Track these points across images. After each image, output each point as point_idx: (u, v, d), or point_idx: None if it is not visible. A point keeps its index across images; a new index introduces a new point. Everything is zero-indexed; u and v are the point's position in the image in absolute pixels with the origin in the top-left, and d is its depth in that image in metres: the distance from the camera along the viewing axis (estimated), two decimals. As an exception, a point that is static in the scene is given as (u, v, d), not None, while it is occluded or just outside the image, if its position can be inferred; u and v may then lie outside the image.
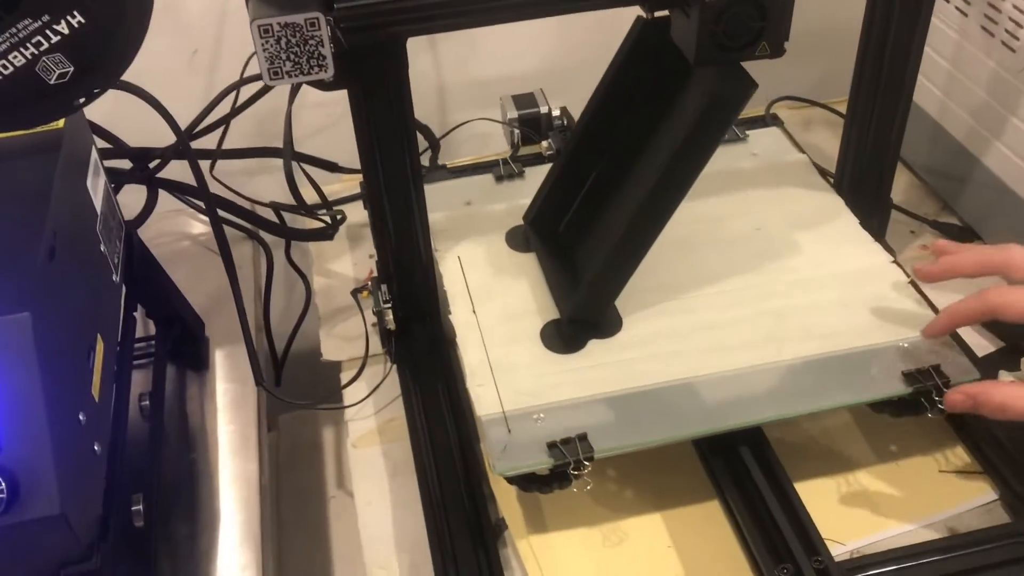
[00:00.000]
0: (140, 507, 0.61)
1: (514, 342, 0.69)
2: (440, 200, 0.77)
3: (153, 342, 0.76)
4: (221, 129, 0.85)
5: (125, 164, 0.84)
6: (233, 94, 0.85)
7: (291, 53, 0.56)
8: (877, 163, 0.76)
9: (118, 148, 0.78)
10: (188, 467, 0.72)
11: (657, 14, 0.63)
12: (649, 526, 0.65)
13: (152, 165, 0.80)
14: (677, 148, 0.63)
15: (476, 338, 0.69)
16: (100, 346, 0.60)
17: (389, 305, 0.73)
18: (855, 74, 0.73)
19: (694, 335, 0.69)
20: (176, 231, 0.93)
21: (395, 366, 0.76)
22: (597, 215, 0.73)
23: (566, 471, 0.60)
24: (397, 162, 0.67)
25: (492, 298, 0.73)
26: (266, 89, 0.84)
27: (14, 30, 0.52)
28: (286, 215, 0.90)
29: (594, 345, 0.69)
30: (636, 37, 0.69)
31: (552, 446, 0.61)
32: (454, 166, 0.90)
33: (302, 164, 0.84)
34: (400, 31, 0.59)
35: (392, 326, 0.74)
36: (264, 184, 1.03)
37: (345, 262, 0.89)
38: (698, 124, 0.62)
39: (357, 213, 0.92)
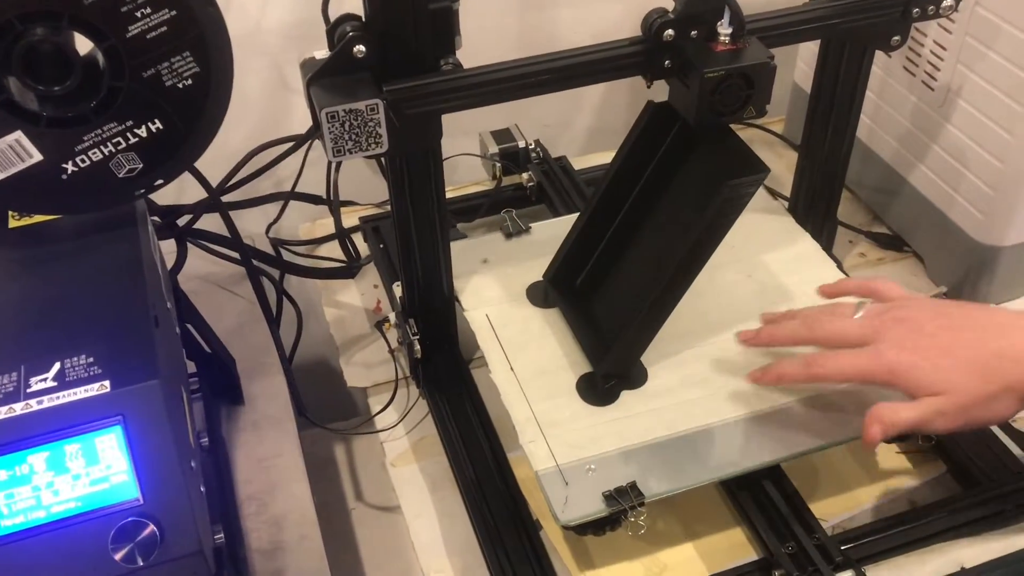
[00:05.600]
0: (221, 536, 0.68)
1: (553, 396, 0.74)
2: (460, 259, 0.81)
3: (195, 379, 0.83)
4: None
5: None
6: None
7: (353, 134, 0.65)
8: (827, 190, 0.88)
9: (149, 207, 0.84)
10: (245, 496, 0.79)
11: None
12: (682, 553, 0.73)
13: (184, 222, 0.86)
14: (698, 235, 0.69)
15: (518, 393, 0.74)
16: (184, 396, 0.67)
17: (417, 337, 0.81)
18: (807, 117, 0.85)
19: (711, 380, 0.75)
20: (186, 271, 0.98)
21: (419, 389, 0.85)
22: (612, 272, 0.79)
23: (619, 516, 0.67)
24: (428, 214, 0.75)
25: (525, 353, 0.78)
26: (289, 152, 0.91)
27: (99, 131, 0.58)
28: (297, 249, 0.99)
29: (626, 396, 0.74)
30: (648, 119, 0.75)
31: (608, 496, 0.67)
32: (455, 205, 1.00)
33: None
34: (436, 109, 0.68)
35: (419, 355, 0.82)
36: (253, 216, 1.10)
37: (352, 292, 0.97)
38: (717, 213, 0.68)
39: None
